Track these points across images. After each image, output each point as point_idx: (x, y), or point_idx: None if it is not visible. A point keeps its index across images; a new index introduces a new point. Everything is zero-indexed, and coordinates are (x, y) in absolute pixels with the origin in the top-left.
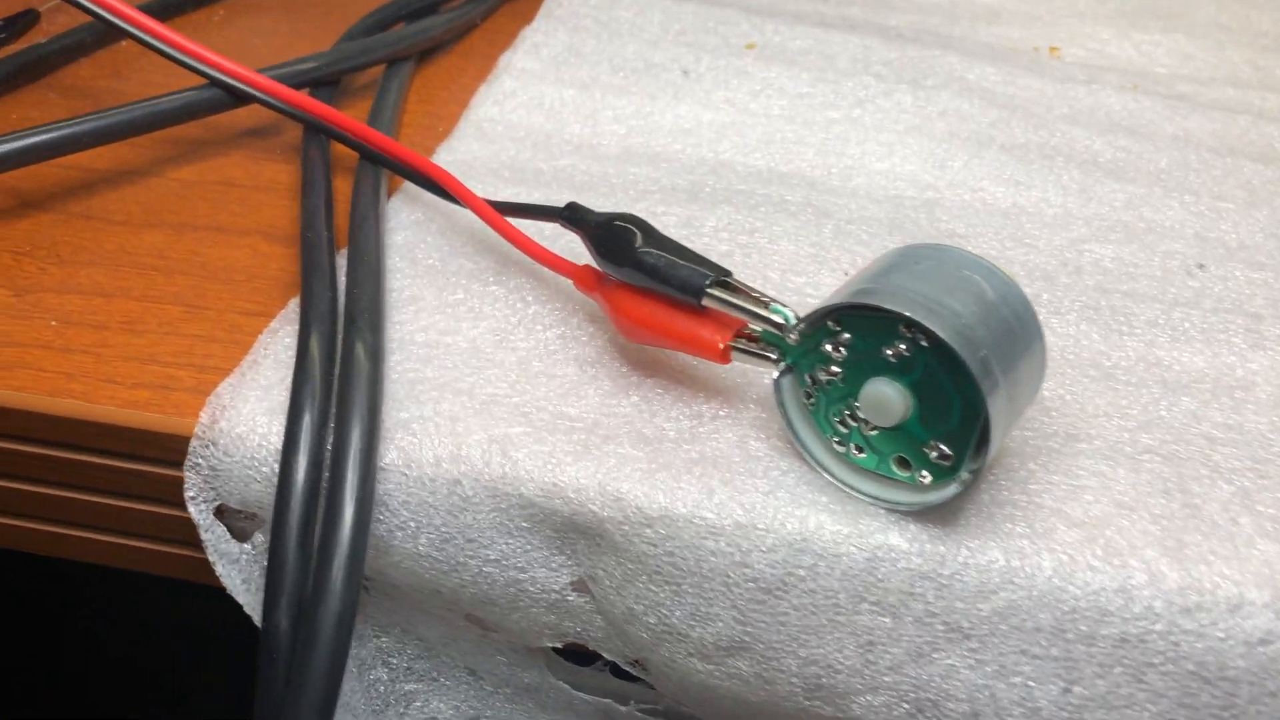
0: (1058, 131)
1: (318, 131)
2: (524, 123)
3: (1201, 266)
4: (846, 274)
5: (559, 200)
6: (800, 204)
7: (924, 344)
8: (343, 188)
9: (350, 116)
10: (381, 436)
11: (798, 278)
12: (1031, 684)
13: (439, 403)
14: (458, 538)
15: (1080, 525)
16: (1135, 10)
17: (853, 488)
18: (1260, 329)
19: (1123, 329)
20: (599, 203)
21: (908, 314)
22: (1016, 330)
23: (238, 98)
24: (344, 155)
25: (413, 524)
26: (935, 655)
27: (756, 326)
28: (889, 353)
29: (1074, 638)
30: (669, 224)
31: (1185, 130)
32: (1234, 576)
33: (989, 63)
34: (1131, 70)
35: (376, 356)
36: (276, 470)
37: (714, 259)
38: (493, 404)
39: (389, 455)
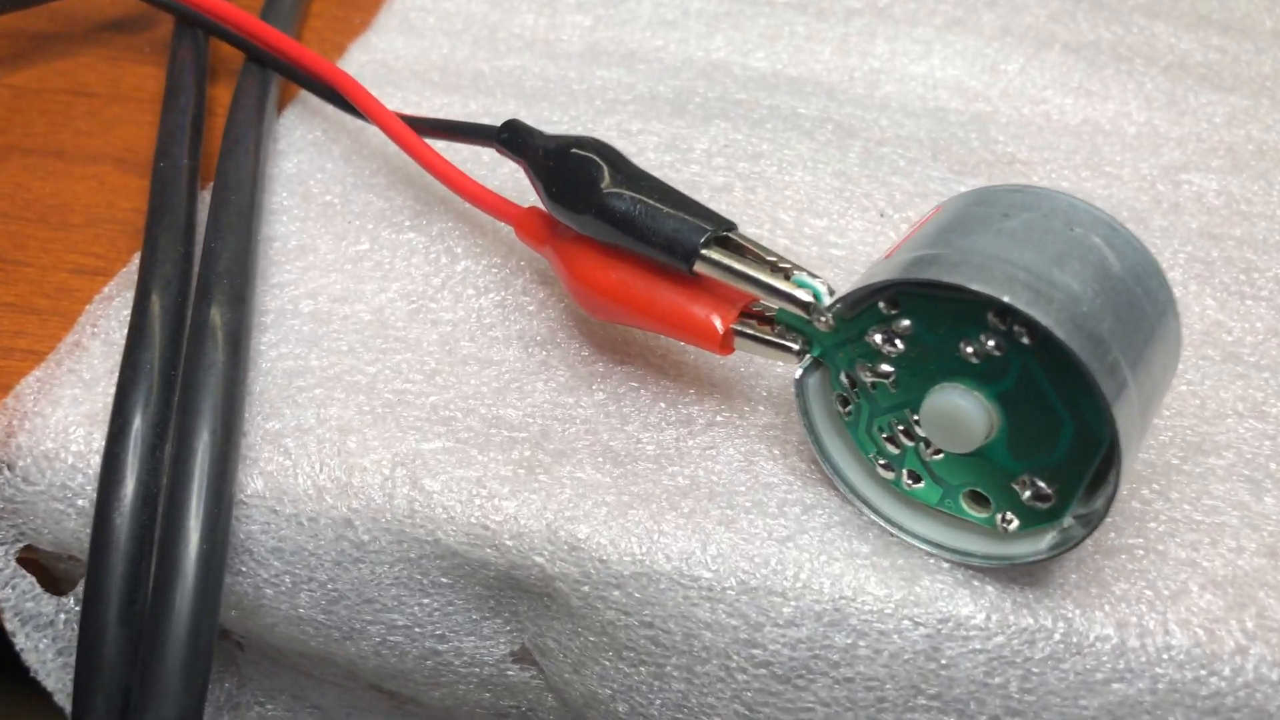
0: (1134, 26)
1: (191, 24)
2: (463, 11)
3: None
4: (883, 215)
5: (504, 114)
6: (817, 119)
7: (1025, 341)
8: (226, 99)
9: (235, 4)
10: (243, 456)
11: (817, 220)
12: None
13: (325, 405)
14: (350, 596)
15: (1221, 585)
16: None
17: (906, 531)
18: None
19: (1244, 290)
20: (556, 116)
21: (1005, 299)
22: (1152, 317)
23: None
24: (231, 56)
25: (288, 578)
26: None
27: (772, 303)
28: (969, 350)
29: None
30: (647, 146)
31: None
32: None
33: None
34: None
35: (237, 340)
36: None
37: (707, 194)
38: (400, 405)
39: (253, 483)
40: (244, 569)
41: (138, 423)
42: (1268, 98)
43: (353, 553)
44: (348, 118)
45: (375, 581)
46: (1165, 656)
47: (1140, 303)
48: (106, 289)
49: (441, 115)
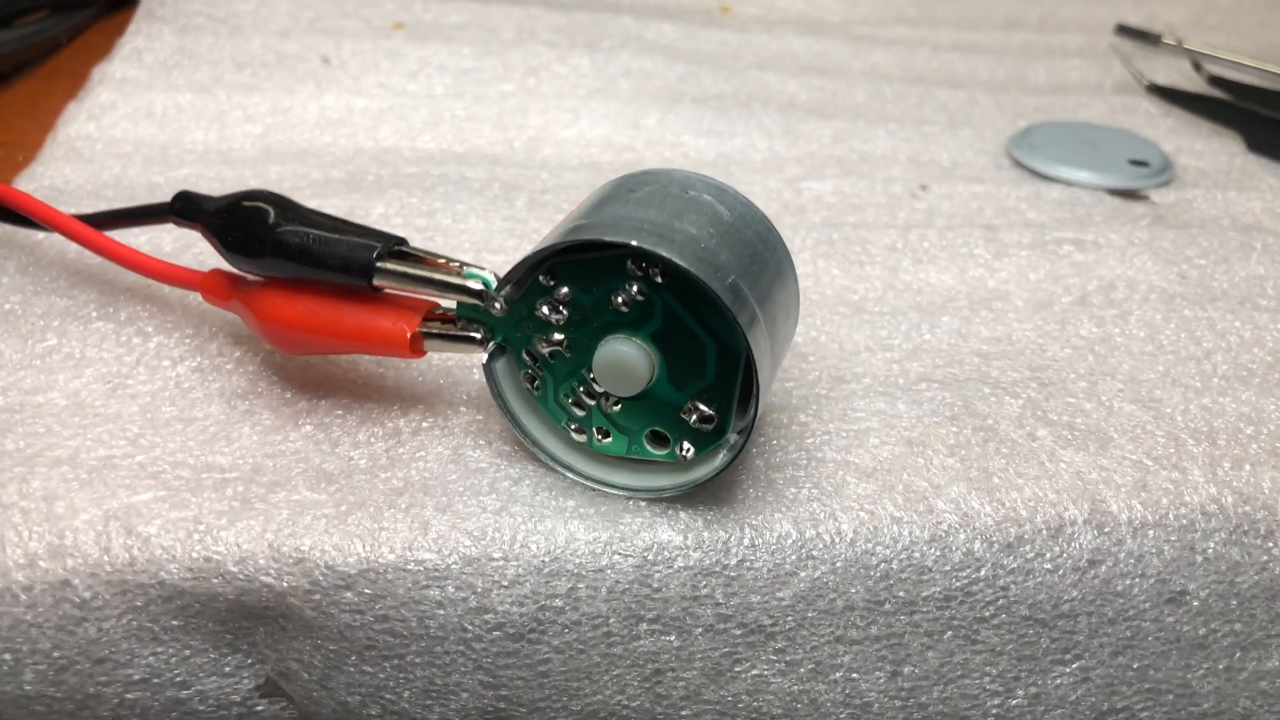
0: (749, 79)
1: None
2: (130, 136)
3: (924, 188)
4: None
5: None
6: (485, 180)
7: (659, 280)
8: None
9: None
10: None
11: (494, 256)
12: (855, 676)
13: (25, 481)
14: (81, 661)
15: (872, 474)
16: None
17: (603, 483)
18: (999, 237)
19: (862, 259)
20: None
21: (634, 243)
22: (763, 254)
23: None
24: None
25: (8, 656)
26: (737, 669)
27: (450, 301)
28: (619, 300)
29: (893, 608)
30: None
31: (872, 65)
32: (1049, 497)
33: (664, 20)
34: (805, 20)
35: None
36: None
37: None
38: (106, 469)
39: None
40: None
41: None
42: (863, 119)
43: (75, 614)
44: (18, 233)
45: (104, 639)
46: (837, 540)
47: (752, 242)
48: None
49: None
